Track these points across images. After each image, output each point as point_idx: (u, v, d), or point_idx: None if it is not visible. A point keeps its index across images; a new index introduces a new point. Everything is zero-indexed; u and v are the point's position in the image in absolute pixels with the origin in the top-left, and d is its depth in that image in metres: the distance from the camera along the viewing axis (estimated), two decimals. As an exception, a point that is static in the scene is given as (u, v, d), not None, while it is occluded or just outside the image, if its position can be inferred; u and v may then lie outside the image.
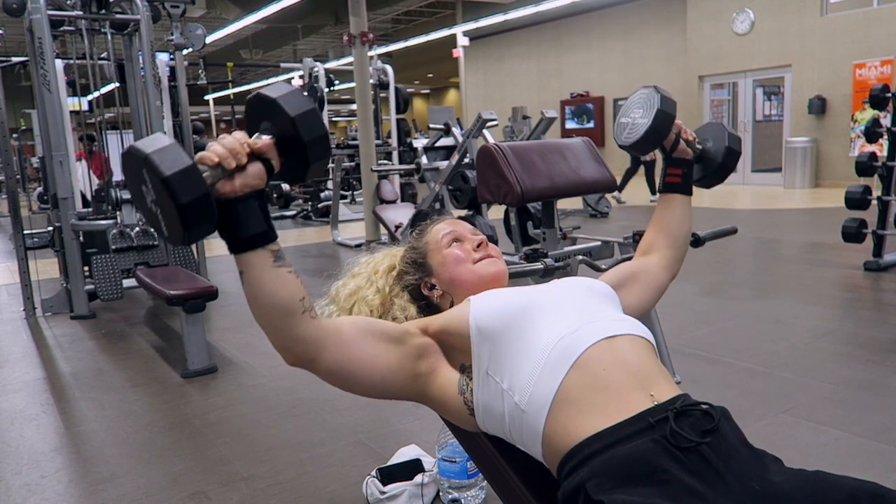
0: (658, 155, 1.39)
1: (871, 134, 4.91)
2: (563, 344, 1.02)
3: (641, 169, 9.52)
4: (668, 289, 1.40)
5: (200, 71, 10.45)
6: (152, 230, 4.55)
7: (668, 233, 1.37)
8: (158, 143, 0.83)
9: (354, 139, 7.27)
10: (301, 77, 11.46)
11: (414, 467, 2.05)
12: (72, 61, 5.22)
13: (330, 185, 8.98)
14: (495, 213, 5.92)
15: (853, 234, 4.86)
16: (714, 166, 1.44)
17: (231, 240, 0.89)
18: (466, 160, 5.05)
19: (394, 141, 9.10)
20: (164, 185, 0.80)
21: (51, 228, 4.91)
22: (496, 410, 1.05)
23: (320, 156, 0.90)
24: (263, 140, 0.89)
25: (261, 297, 0.92)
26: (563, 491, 0.94)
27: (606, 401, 0.97)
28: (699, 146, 1.41)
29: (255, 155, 0.88)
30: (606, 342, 1.03)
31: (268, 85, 0.91)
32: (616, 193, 9.69)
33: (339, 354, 1.01)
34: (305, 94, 0.86)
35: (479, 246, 1.26)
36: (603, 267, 1.82)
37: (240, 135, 0.88)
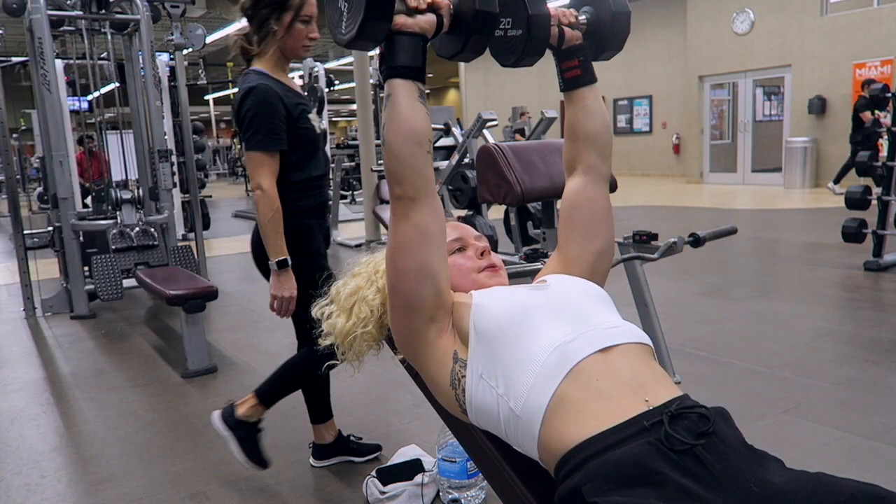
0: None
1: (871, 134, 4.91)
2: (558, 353, 1.02)
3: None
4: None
5: (200, 71, 10.47)
6: (152, 230, 4.55)
7: (586, 133, 1.26)
8: None
9: (354, 139, 7.27)
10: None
11: (414, 467, 2.05)
12: (72, 61, 5.22)
13: (330, 184, 8.99)
14: (495, 213, 5.92)
15: (853, 234, 4.86)
16: (605, 37, 1.24)
17: (389, 64, 1.03)
18: (466, 160, 5.05)
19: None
20: None
21: (51, 228, 4.91)
22: (491, 413, 1.05)
23: (482, 29, 1.05)
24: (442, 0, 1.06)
25: (400, 120, 1.04)
26: (559, 494, 0.94)
27: (601, 407, 0.97)
28: (583, 22, 1.23)
29: (433, 8, 1.05)
30: (601, 355, 1.02)
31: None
32: (831, 185, 9.66)
33: (430, 218, 1.07)
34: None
35: (482, 255, 1.26)
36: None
37: None
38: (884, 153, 4.97)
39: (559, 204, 1.83)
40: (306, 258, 2.02)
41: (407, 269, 1.07)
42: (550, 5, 1.16)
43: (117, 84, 5.14)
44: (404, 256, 1.07)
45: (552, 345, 1.03)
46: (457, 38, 1.08)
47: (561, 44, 1.21)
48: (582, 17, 1.24)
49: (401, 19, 1.02)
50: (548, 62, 1.23)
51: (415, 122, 1.04)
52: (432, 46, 1.10)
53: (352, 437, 2.32)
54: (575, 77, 1.24)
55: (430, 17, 1.04)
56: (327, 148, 9.35)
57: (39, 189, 9.96)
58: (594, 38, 1.25)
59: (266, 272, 2.02)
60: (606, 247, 1.28)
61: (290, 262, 1.96)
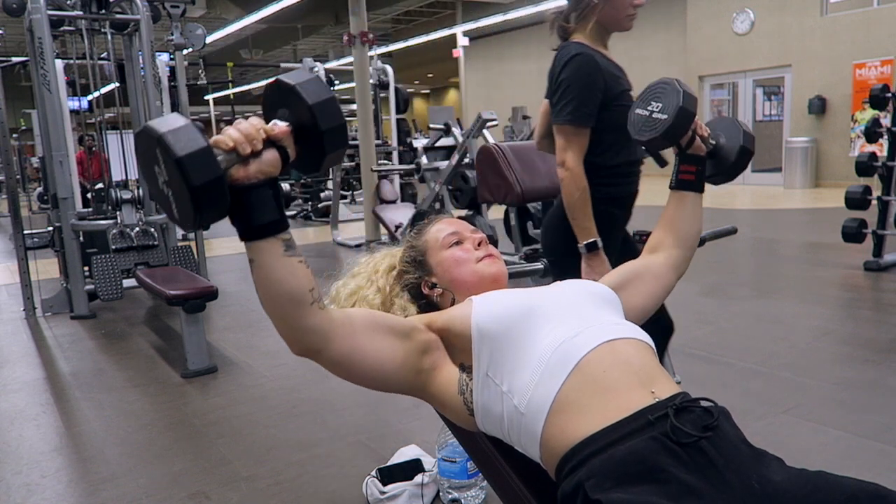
0: None
1: (871, 134, 4.91)
2: (563, 348, 1.02)
3: None
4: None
5: (200, 71, 10.45)
6: (152, 230, 4.55)
7: (678, 232, 1.33)
8: (174, 122, 0.81)
9: (354, 139, 7.26)
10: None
11: (414, 467, 2.05)
12: (72, 61, 5.22)
13: (330, 185, 8.99)
14: (495, 213, 5.92)
15: (853, 234, 4.85)
16: (726, 165, 1.37)
17: (242, 227, 0.88)
18: (466, 160, 5.05)
19: (394, 141, 9.10)
20: (177, 165, 0.78)
21: (51, 228, 4.91)
22: (495, 412, 1.05)
23: (337, 146, 0.89)
24: (280, 127, 0.87)
25: (270, 286, 0.90)
26: (562, 491, 0.94)
27: (606, 401, 0.97)
28: (712, 142, 1.35)
29: (270, 141, 0.87)
30: (607, 345, 1.03)
31: (287, 71, 0.90)
32: None
33: (346, 346, 0.99)
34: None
35: (479, 245, 1.26)
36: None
37: (256, 121, 0.87)
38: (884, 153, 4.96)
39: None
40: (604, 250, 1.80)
41: (365, 383, 1.06)
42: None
43: (117, 84, 5.14)
44: (355, 379, 1.05)
45: (556, 341, 1.03)
46: (310, 161, 0.91)
47: (687, 147, 1.31)
48: (712, 139, 1.34)
49: (239, 173, 0.84)
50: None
51: (288, 284, 0.90)
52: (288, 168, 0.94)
53: None
54: (688, 181, 1.33)
55: (271, 156, 0.86)
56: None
57: (39, 189, 9.96)
58: (714, 160, 1.36)
59: (558, 262, 1.84)
60: (647, 308, 1.29)
61: (600, 245, 1.75)
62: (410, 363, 1.07)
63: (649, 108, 1.27)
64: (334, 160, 0.91)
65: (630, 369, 1.00)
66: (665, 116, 1.24)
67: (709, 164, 1.36)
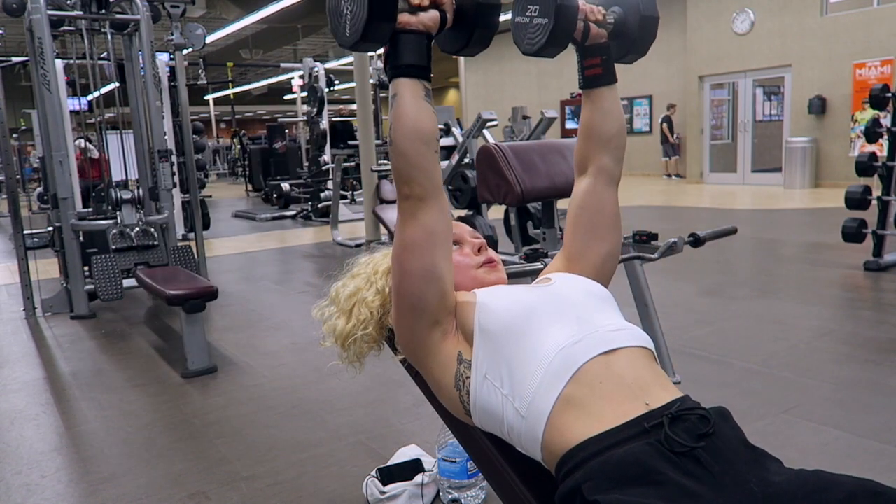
0: None
1: (871, 134, 4.91)
2: (563, 354, 1.02)
3: None
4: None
5: (200, 71, 10.46)
6: (152, 230, 4.55)
7: (601, 134, 1.24)
8: None
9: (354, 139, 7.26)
10: (301, 77, 11.44)
11: (414, 467, 2.05)
12: (72, 61, 5.22)
13: (330, 185, 8.98)
14: (495, 213, 5.92)
15: (853, 234, 4.85)
16: (631, 40, 1.22)
17: (394, 64, 1.03)
18: (466, 160, 5.05)
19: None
20: None
21: (51, 228, 4.91)
22: (495, 414, 1.05)
23: (486, 23, 1.06)
24: None
25: (407, 119, 1.02)
26: (560, 493, 0.95)
27: (603, 408, 0.98)
28: (610, 22, 1.20)
29: (436, 4, 1.04)
30: (603, 357, 1.03)
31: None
32: None
33: (439, 218, 1.07)
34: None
35: (479, 250, 1.26)
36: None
37: None
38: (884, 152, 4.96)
39: (560, 204, 1.80)
40: None
41: (413, 270, 1.07)
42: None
43: (117, 84, 5.14)
44: (410, 257, 1.07)
45: (558, 346, 1.03)
46: (461, 34, 1.08)
47: (585, 40, 1.18)
48: (609, 17, 1.20)
49: (404, 18, 1.02)
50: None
51: (421, 122, 1.02)
52: (436, 43, 1.09)
53: None
54: (595, 76, 1.21)
55: (434, 14, 1.04)
56: (327, 147, 9.40)
57: (39, 189, 9.96)
58: (619, 40, 1.23)
59: None
60: (613, 250, 1.27)
61: None
62: (442, 304, 1.10)
63: (528, 13, 1.11)
64: (481, 39, 1.08)
65: (622, 383, 1.01)
66: (545, 20, 1.08)
67: (614, 46, 1.23)
